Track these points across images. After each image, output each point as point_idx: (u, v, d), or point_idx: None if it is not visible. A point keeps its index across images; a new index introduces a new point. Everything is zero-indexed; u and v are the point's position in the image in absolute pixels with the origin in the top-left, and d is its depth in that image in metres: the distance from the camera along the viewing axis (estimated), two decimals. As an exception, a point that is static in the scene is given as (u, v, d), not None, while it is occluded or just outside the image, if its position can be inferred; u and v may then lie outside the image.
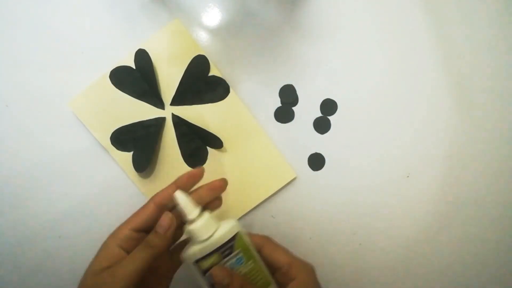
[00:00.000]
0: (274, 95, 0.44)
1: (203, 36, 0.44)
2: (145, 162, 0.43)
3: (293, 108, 0.44)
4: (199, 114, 0.44)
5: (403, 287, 0.44)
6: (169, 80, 0.44)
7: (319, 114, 0.44)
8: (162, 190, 0.35)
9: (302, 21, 0.44)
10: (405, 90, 0.44)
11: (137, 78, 0.43)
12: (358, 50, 0.44)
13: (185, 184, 0.35)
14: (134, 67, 0.43)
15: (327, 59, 0.44)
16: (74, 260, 0.44)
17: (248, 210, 0.44)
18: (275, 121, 0.44)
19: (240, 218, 0.44)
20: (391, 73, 0.44)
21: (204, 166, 0.44)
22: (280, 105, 0.44)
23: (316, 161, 0.44)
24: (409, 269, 0.44)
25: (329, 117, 0.44)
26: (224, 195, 0.40)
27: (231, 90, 0.43)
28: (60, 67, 0.43)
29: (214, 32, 0.44)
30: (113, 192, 0.44)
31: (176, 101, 0.44)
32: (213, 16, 0.44)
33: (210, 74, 0.43)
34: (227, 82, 0.43)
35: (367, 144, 0.44)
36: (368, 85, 0.44)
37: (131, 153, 0.44)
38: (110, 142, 0.44)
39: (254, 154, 0.44)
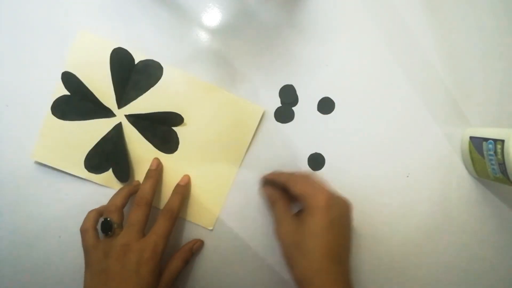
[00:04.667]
0: (274, 95, 0.44)
1: (203, 36, 0.44)
2: (126, 172, 0.43)
3: (293, 108, 0.44)
4: (148, 102, 0.43)
5: (403, 287, 0.44)
6: (104, 87, 0.42)
7: (319, 114, 0.44)
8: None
9: (302, 21, 0.43)
10: (405, 90, 0.44)
11: (77, 101, 0.42)
12: (358, 50, 0.44)
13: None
14: (69, 93, 0.42)
15: (327, 59, 0.44)
16: (74, 260, 0.44)
17: (241, 160, 0.44)
18: (275, 121, 0.44)
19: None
20: (391, 73, 0.44)
21: (180, 145, 0.43)
22: (280, 105, 0.44)
23: (316, 161, 0.44)
24: (409, 268, 0.44)
25: (328, 116, 0.44)
26: (213, 157, 0.44)
27: (163, 65, 0.42)
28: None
29: (214, 32, 0.44)
30: (110, 193, 0.44)
31: (122, 103, 0.43)
32: (213, 16, 0.44)
33: (137, 61, 0.42)
34: (158, 61, 0.42)
35: (367, 144, 0.44)
36: (368, 85, 0.44)
37: (110, 170, 0.43)
38: (87, 171, 0.43)
39: (216, 110, 0.43)
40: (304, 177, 0.39)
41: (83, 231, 0.39)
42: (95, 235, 0.39)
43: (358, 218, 0.44)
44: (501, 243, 0.45)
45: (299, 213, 0.38)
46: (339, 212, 0.37)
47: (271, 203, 0.41)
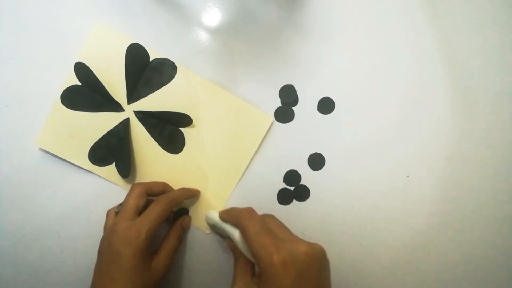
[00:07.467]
0: (274, 95, 0.44)
1: (202, 36, 0.44)
2: (128, 167, 0.43)
3: (293, 108, 0.44)
4: (158, 101, 0.43)
5: (403, 287, 0.44)
6: (115, 81, 0.42)
7: (319, 114, 0.44)
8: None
9: (302, 21, 0.43)
10: (405, 90, 0.44)
11: (87, 92, 0.42)
12: (358, 50, 0.44)
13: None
14: (80, 83, 0.42)
15: (327, 59, 0.44)
16: (74, 260, 0.44)
17: (244, 168, 0.44)
18: (275, 121, 0.44)
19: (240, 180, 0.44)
20: (391, 73, 0.44)
21: (186, 146, 0.44)
22: (280, 105, 0.44)
23: (316, 161, 0.44)
24: (409, 268, 0.44)
25: (328, 116, 0.44)
26: (217, 162, 0.44)
27: (177, 65, 0.42)
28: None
29: (214, 32, 0.44)
30: (110, 192, 0.44)
31: (132, 98, 0.43)
32: (213, 16, 0.44)
33: (152, 59, 0.42)
34: (172, 60, 0.42)
35: (367, 144, 0.44)
36: (368, 84, 0.44)
37: (113, 164, 0.43)
38: (90, 163, 0.43)
39: (226, 115, 0.43)
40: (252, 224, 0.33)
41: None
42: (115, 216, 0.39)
43: (358, 218, 0.44)
44: (502, 242, 0.45)
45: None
46: (302, 268, 0.30)
47: (234, 258, 0.38)
